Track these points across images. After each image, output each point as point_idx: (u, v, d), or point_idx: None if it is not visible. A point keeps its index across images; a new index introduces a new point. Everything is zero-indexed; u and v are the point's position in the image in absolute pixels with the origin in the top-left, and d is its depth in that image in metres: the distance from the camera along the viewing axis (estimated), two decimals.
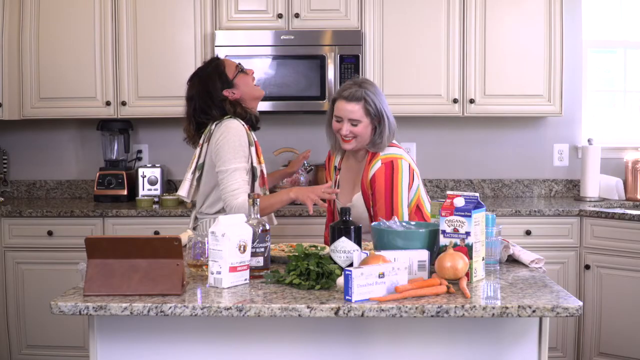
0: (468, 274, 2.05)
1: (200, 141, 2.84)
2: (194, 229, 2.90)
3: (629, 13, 4.47)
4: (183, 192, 2.85)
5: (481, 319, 1.97)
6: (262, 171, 2.87)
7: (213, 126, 2.81)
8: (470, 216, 2.06)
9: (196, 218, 2.92)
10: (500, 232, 2.28)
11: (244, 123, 2.82)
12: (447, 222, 2.11)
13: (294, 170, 3.28)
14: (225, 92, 2.85)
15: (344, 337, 1.98)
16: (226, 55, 3.91)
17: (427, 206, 2.80)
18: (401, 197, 2.70)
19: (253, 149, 2.82)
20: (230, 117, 2.82)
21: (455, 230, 2.09)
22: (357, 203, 2.79)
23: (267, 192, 2.91)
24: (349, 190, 2.87)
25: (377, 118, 2.74)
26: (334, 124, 2.79)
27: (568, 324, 3.82)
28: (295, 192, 2.76)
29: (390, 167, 2.72)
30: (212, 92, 2.84)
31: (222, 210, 2.78)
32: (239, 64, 2.92)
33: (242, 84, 2.87)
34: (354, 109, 2.72)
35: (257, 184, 2.85)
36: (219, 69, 2.88)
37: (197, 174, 2.84)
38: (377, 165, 2.73)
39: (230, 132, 2.75)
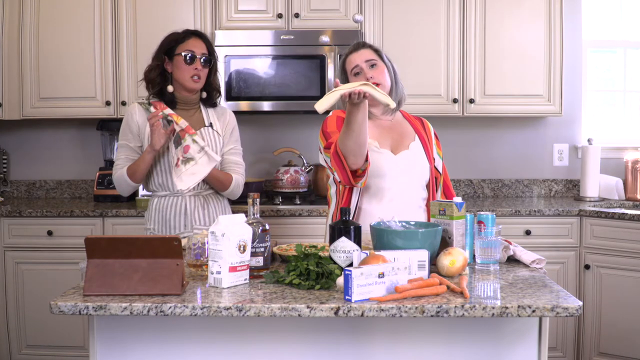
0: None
1: None
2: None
3: (629, 13, 4.47)
4: None
5: (481, 319, 1.97)
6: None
7: None
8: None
9: None
10: (500, 232, 2.28)
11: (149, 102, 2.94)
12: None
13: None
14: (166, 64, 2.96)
15: (344, 337, 1.98)
16: (226, 56, 3.91)
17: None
18: None
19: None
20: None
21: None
22: (416, 150, 2.68)
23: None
24: (397, 140, 2.68)
25: (389, 67, 2.68)
26: (354, 80, 2.62)
27: (568, 324, 3.82)
28: (150, 145, 2.85)
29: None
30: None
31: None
32: (186, 53, 2.90)
33: (177, 66, 2.93)
34: (364, 52, 2.67)
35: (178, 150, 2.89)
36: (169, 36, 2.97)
37: None
38: (427, 121, 2.82)
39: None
